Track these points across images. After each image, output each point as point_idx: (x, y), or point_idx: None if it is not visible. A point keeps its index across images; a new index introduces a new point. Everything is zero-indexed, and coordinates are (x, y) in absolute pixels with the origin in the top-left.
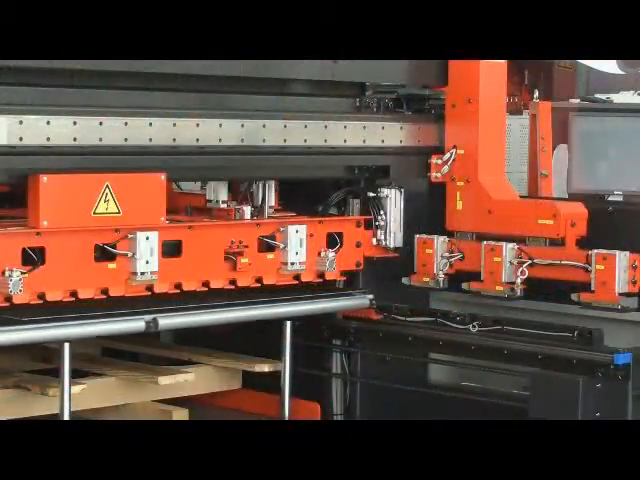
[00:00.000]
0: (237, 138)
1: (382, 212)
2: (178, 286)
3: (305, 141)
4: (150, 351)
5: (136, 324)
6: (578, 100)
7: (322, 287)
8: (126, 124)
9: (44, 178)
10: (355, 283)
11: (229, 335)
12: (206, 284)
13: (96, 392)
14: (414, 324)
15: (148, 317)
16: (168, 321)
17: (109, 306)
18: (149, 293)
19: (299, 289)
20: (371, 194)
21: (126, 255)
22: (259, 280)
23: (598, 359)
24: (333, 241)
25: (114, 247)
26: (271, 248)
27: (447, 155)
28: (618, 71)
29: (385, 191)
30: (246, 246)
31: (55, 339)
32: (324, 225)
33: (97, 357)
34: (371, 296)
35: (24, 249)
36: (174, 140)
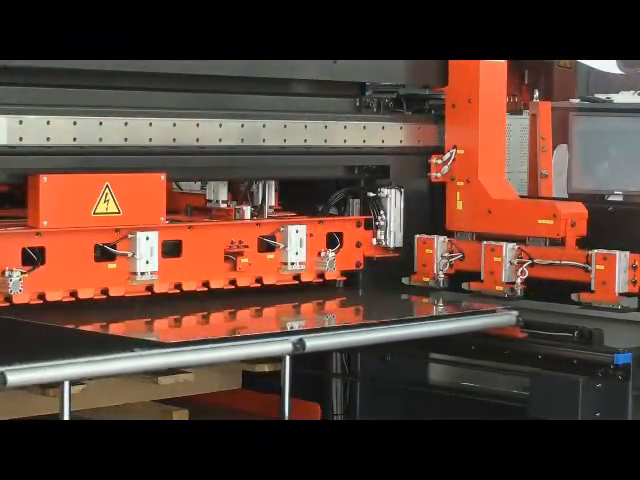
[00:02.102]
0: (237, 138)
1: (382, 212)
2: (178, 286)
3: (305, 141)
4: None
5: (282, 346)
6: (578, 100)
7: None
8: (126, 124)
9: (44, 178)
10: (355, 283)
11: None
12: (206, 284)
13: (96, 392)
14: None
15: (294, 338)
16: (316, 342)
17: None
18: (149, 293)
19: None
20: (371, 194)
21: (126, 255)
22: (259, 280)
23: (598, 359)
24: (333, 241)
25: (114, 247)
26: (271, 248)
27: (447, 155)
28: (618, 71)
29: (385, 191)
30: (246, 246)
31: (191, 364)
32: (324, 225)
33: None
34: (516, 312)
35: (24, 249)
36: (174, 140)
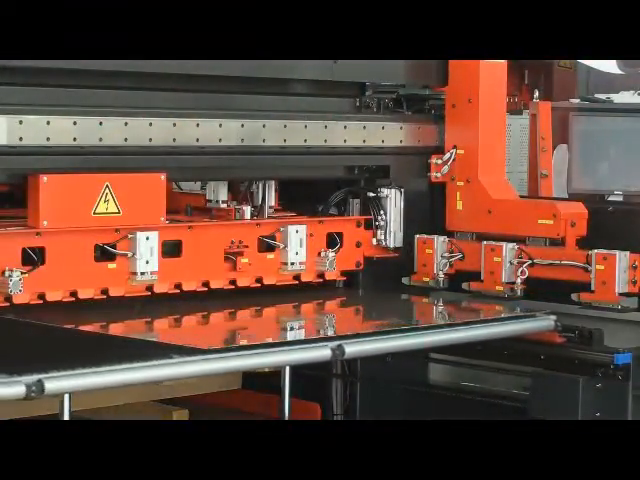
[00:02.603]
0: (237, 138)
1: (382, 212)
2: (178, 286)
3: (305, 141)
4: None
5: (321, 352)
6: (578, 100)
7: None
8: (126, 124)
9: (44, 178)
10: (355, 283)
11: None
12: (206, 284)
13: (96, 392)
14: None
15: (333, 344)
16: (355, 348)
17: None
18: (149, 293)
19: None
20: (371, 194)
21: (126, 255)
22: (259, 280)
23: (598, 359)
24: (333, 241)
25: (114, 247)
26: (271, 248)
27: (447, 155)
28: (618, 71)
29: (385, 191)
30: (246, 246)
31: (231, 370)
32: (324, 225)
33: None
34: (554, 317)
35: (24, 249)
36: (174, 140)
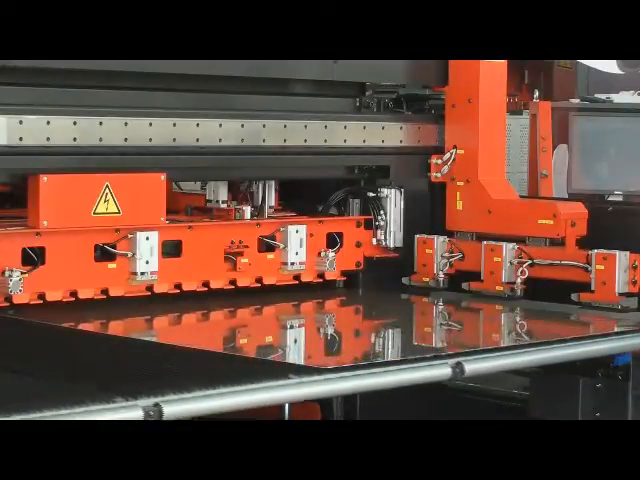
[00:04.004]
0: (237, 138)
1: (382, 212)
2: (178, 286)
3: (305, 141)
4: None
5: (441, 371)
6: (578, 100)
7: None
8: (126, 124)
9: (44, 178)
10: (355, 283)
11: None
12: (206, 284)
13: None
14: None
15: (452, 361)
16: (475, 366)
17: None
18: (149, 293)
19: None
20: (371, 194)
21: (126, 255)
22: (259, 280)
23: (598, 359)
24: (333, 241)
25: (114, 247)
26: (271, 248)
27: (447, 155)
28: (618, 71)
29: (385, 191)
30: (246, 246)
31: (349, 392)
32: (324, 225)
33: None
34: None
35: (24, 249)
36: (174, 140)
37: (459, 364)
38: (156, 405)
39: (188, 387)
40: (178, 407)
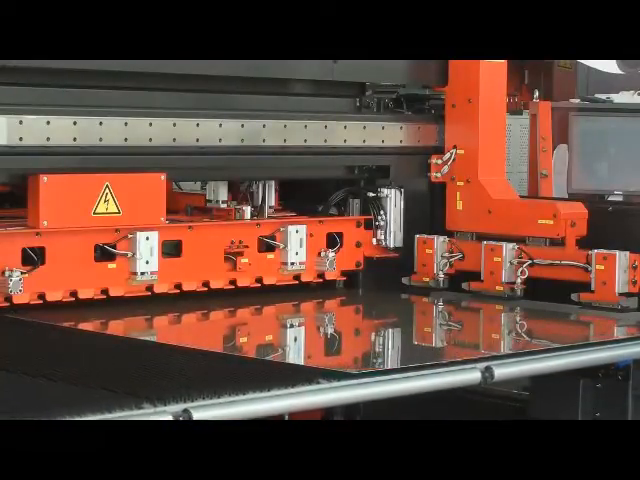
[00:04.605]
0: (237, 138)
1: (382, 212)
2: (178, 286)
3: (305, 141)
4: None
5: (470, 375)
6: (578, 100)
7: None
8: (126, 124)
9: (44, 178)
10: (355, 283)
11: None
12: (206, 284)
13: None
14: None
15: (481, 365)
16: (504, 370)
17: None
18: (149, 293)
19: None
20: (371, 194)
21: (126, 255)
22: (259, 280)
23: None
24: (333, 241)
25: (114, 247)
26: (271, 248)
27: (447, 155)
28: (618, 71)
29: (385, 191)
30: (246, 246)
31: (377, 397)
32: (324, 225)
33: None
34: None
35: (24, 249)
36: (174, 140)
37: (488, 369)
38: (185, 411)
39: (217, 392)
40: (208, 412)
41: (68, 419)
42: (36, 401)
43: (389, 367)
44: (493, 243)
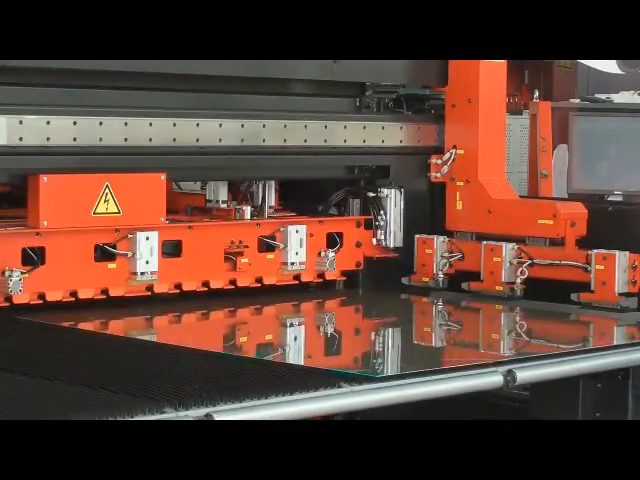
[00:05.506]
0: (237, 138)
1: (382, 212)
2: (178, 286)
3: (305, 141)
4: None
5: (492, 379)
6: (578, 100)
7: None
8: (126, 124)
9: (44, 178)
10: (355, 283)
11: None
12: (206, 284)
13: None
14: None
15: (502, 369)
16: (527, 374)
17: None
18: (149, 293)
19: None
20: (371, 194)
21: (126, 255)
22: (259, 280)
23: None
24: (333, 241)
25: (114, 247)
26: (271, 248)
27: (447, 155)
28: (618, 71)
29: (385, 191)
30: (246, 246)
31: (399, 401)
32: (324, 225)
33: None
34: None
35: (24, 249)
36: (174, 140)
37: (510, 372)
38: (207, 416)
39: (238, 396)
40: (230, 417)
41: (88, 419)
42: (37, 402)
43: (399, 370)
44: (493, 243)
